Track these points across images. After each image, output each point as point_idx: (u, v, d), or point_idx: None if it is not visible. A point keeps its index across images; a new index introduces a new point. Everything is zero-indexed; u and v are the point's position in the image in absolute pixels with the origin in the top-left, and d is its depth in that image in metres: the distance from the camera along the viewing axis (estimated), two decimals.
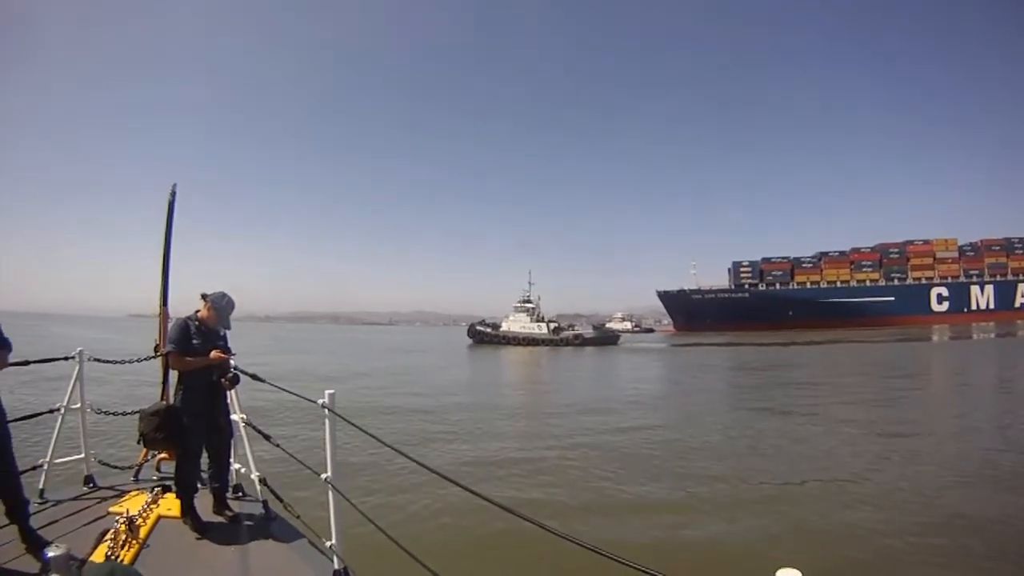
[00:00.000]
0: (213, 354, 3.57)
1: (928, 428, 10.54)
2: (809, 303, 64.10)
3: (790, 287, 65.78)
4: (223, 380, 3.57)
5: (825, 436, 9.83)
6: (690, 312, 65.12)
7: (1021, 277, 70.30)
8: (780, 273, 66.28)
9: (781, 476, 7.40)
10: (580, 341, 49.33)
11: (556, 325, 54.20)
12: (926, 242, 69.38)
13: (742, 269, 66.61)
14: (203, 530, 3.11)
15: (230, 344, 3.82)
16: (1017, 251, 70.76)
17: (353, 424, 2.75)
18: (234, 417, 3.96)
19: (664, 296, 67.56)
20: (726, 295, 64.75)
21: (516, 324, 53.81)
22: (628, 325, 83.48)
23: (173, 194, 4.21)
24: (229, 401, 3.98)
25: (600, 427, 10.80)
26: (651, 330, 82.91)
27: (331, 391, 2.87)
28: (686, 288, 65.99)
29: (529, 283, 56.41)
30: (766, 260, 67.03)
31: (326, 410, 2.82)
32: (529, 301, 55.25)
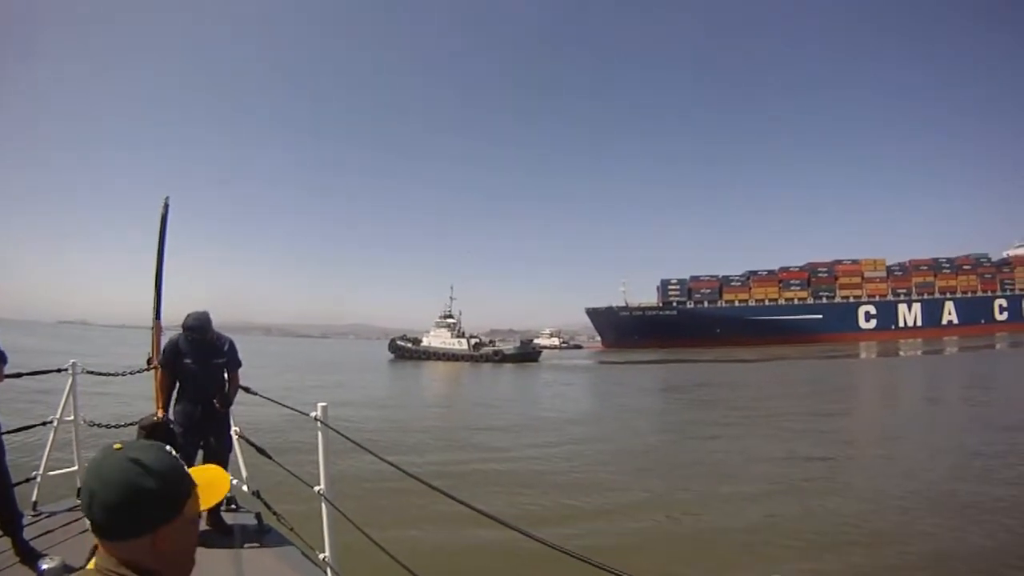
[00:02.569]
0: (159, 413, 3.58)
1: (850, 451, 10.98)
2: (737, 321, 65.01)
3: (718, 305, 66.80)
4: (216, 401, 3.65)
5: (740, 456, 10.26)
6: (618, 329, 65.96)
7: (948, 296, 71.72)
8: (708, 291, 67.66)
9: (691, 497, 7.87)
10: (500, 357, 49.85)
11: (477, 341, 54.63)
12: (855, 262, 71.13)
13: (671, 287, 67.88)
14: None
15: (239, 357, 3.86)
16: (944, 271, 72.54)
17: (346, 437, 2.78)
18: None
19: (592, 313, 68.48)
20: (654, 312, 65.76)
21: (437, 339, 54.58)
22: (556, 341, 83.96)
23: (166, 207, 4.18)
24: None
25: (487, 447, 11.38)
26: (579, 347, 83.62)
27: (323, 404, 2.86)
28: (614, 305, 66.35)
29: (451, 298, 56.98)
30: (694, 278, 68.61)
31: (319, 423, 2.82)
32: (450, 316, 56.13)
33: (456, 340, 54.26)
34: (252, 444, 3.73)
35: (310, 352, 66.40)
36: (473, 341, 54.68)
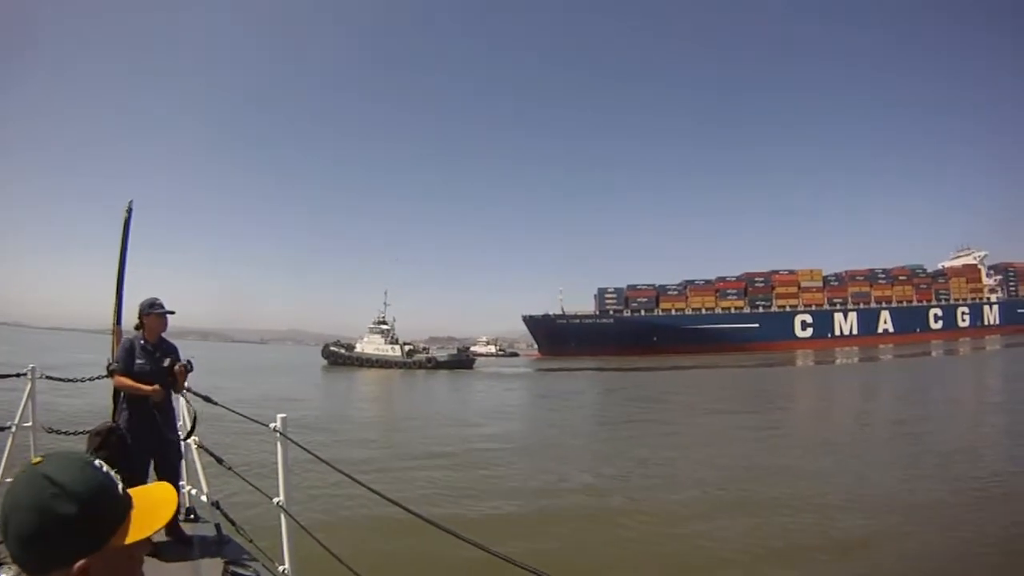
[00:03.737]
0: (151, 388, 3.53)
1: (787, 459, 11.18)
2: (674, 329, 65.89)
3: (655, 314, 67.21)
4: (177, 369, 3.61)
5: (668, 468, 10.59)
6: (555, 337, 66.57)
7: (884, 305, 72.88)
8: (645, 300, 68.78)
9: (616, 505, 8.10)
10: (433, 364, 50.56)
11: (410, 347, 54.31)
12: (791, 272, 72.59)
13: (607, 295, 68.91)
14: (154, 553, 2.99)
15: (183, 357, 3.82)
16: (880, 281, 74.18)
17: (305, 449, 2.73)
18: (184, 439, 3.90)
19: (529, 321, 68.90)
20: (591, 320, 66.28)
21: (370, 346, 54.81)
22: (493, 349, 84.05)
23: (129, 211, 4.12)
24: (180, 423, 3.93)
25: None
26: (515, 354, 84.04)
27: (283, 415, 2.84)
28: (551, 313, 66.63)
29: (385, 303, 57.09)
30: (631, 287, 69.81)
31: (278, 434, 2.77)
32: (384, 322, 55.96)
33: (390, 347, 54.54)
34: (211, 454, 3.69)
35: (245, 358, 65.79)
36: (407, 348, 54.71)
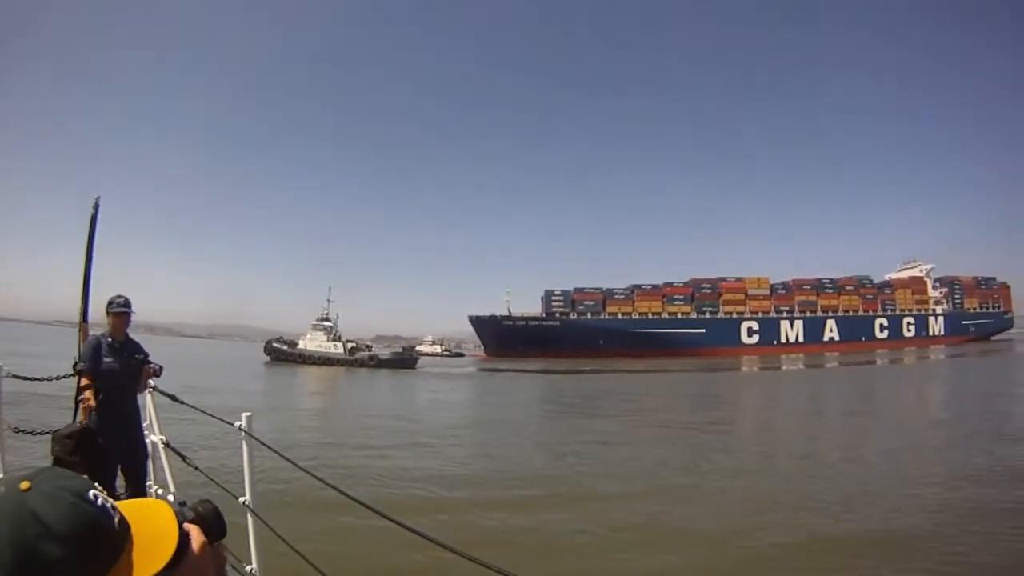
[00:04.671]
0: (86, 395, 3.49)
1: (727, 463, 11.58)
2: (621, 333, 66.76)
3: (602, 317, 67.75)
4: (151, 370, 3.68)
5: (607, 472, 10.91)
6: (501, 338, 67.31)
7: (830, 314, 73.77)
8: (592, 303, 69.82)
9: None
10: (375, 363, 50.43)
11: (353, 345, 53.90)
12: (738, 279, 74.21)
13: (554, 298, 69.83)
14: None
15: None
16: (827, 291, 75.65)
17: (269, 447, 2.77)
18: (153, 438, 3.83)
19: (476, 321, 69.47)
20: (537, 322, 66.61)
21: (313, 343, 55.16)
22: (438, 348, 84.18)
23: (96, 207, 4.06)
24: (146, 423, 3.88)
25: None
26: (461, 354, 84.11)
27: (248, 414, 2.84)
28: (497, 314, 67.10)
29: (328, 300, 57.06)
30: (578, 290, 70.93)
31: (243, 433, 2.77)
32: (327, 319, 55.96)
33: (332, 344, 54.43)
34: (177, 452, 3.62)
35: (185, 353, 65.42)
36: (349, 345, 54.48)
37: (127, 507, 0.77)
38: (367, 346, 59.18)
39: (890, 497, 8.25)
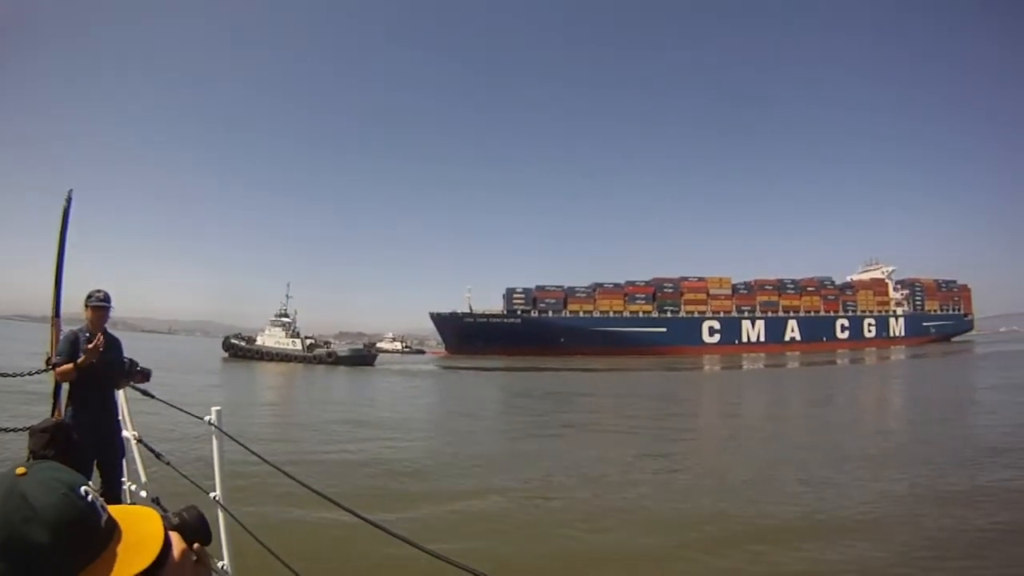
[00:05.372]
0: (84, 358, 3.51)
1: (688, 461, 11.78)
2: (582, 331, 67.39)
3: (563, 315, 68.26)
4: (136, 373, 3.71)
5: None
6: (462, 335, 67.82)
7: (792, 315, 74.49)
8: (553, 301, 70.52)
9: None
10: (333, 359, 50.11)
11: (311, 342, 53.60)
12: (700, 279, 75.27)
13: (516, 295, 70.54)
14: None
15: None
16: (789, 291, 76.67)
17: (238, 442, 2.75)
18: (126, 434, 3.82)
19: (437, 318, 69.65)
20: (498, 320, 67.08)
21: (271, 339, 55.14)
22: (399, 345, 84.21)
23: (69, 200, 4.03)
24: (120, 417, 3.85)
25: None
26: (422, 351, 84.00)
27: (217, 408, 2.84)
28: (458, 311, 67.35)
29: (287, 296, 56.65)
30: (540, 288, 71.63)
31: (213, 428, 2.77)
32: (286, 315, 55.62)
33: (290, 340, 54.08)
34: (149, 448, 3.64)
35: (141, 347, 65.04)
36: (308, 342, 54.13)
37: (119, 511, 0.78)
38: (326, 343, 59.08)
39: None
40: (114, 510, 0.78)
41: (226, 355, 53.07)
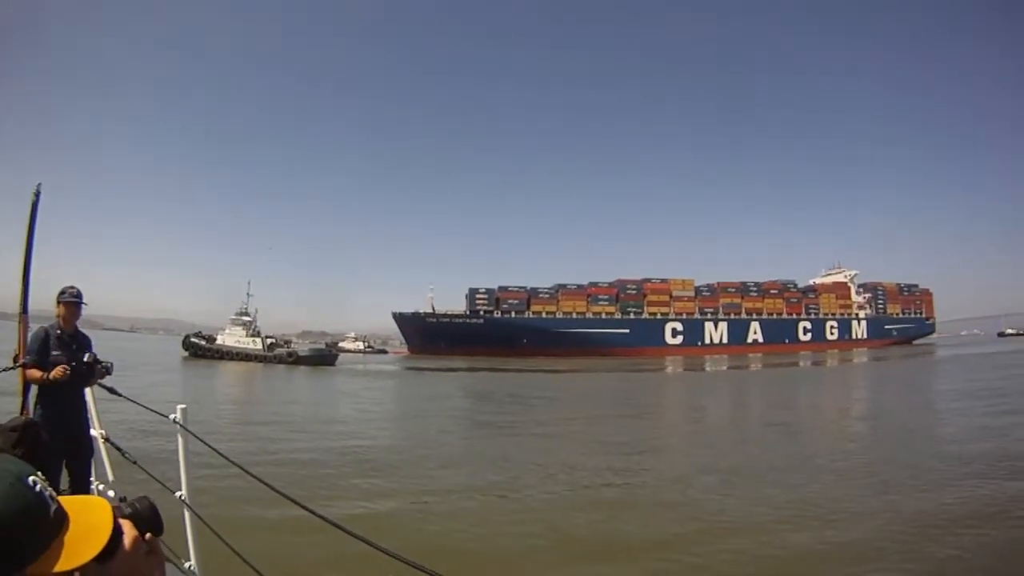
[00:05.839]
0: (54, 372, 3.47)
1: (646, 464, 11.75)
2: (545, 332, 68.06)
3: (526, 316, 68.84)
4: (100, 369, 3.67)
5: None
6: (425, 335, 68.32)
7: (754, 317, 75.36)
8: (516, 302, 71.29)
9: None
10: (293, 359, 49.87)
11: (272, 341, 53.63)
12: (663, 281, 76.07)
13: (478, 296, 71.16)
14: None
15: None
16: (752, 294, 77.97)
17: (203, 441, 2.74)
18: (93, 432, 3.82)
19: (399, 318, 69.96)
20: (461, 320, 67.50)
21: (231, 338, 54.73)
22: (360, 345, 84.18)
23: (37, 194, 4.01)
24: (89, 415, 3.85)
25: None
26: (384, 351, 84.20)
27: (183, 406, 2.83)
28: (421, 311, 67.78)
29: (248, 294, 56.31)
30: (503, 288, 72.46)
31: (178, 426, 2.76)
32: (246, 313, 55.37)
33: (251, 339, 53.81)
34: (117, 448, 3.61)
35: (105, 348, 64.78)
36: (268, 341, 54.05)
37: (69, 501, 0.79)
38: (286, 342, 58.93)
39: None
40: (64, 500, 0.78)
41: (186, 354, 52.96)
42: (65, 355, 3.55)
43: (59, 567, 0.71)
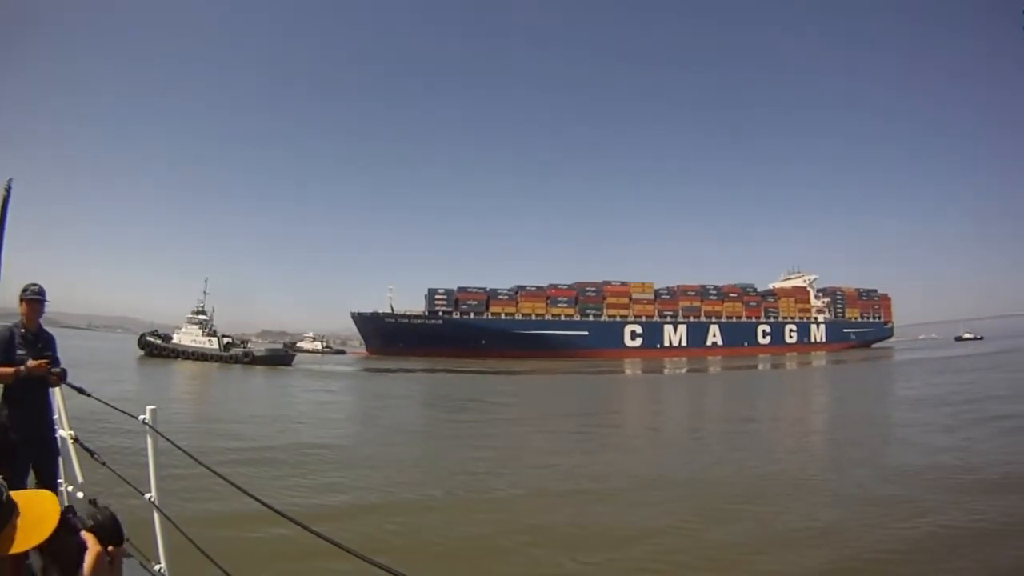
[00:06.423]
0: (30, 363, 3.45)
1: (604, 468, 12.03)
2: (504, 334, 68.82)
3: (485, 317, 69.43)
4: (51, 374, 3.59)
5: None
6: (384, 335, 68.84)
7: (714, 320, 76.29)
8: (475, 303, 72.06)
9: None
10: (250, 359, 49.99)
11: (228, 340, 53.64)
12: (623, 283, 76.93)
13: (437, 296, 71.78)
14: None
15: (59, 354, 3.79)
16: (711, 297, 79.07)
17: (171, 442, 2.74)
18: (63, 433, 3.80)
19: (358, 318, 70.45)
20: (420, 321, 67.99)
21: (187, 337, 54.52)
22: (319, 345, 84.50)
23: (8, 189, 4.01)
24: (56, 416, 3.84)
25: None
26: (342, 351, 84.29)
27: (152, 407, 2.81)
28: (380, 311, 68.22)
29: (204, 292, 56.10)
30: (462, 289, 72.97)
31: (148, 427, 2.75)
32: (203, 312, 55.44)
33: (207, 339, 53.61)
34: (85, 448, 3.63)
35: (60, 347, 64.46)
36: (225, 341, 53.89)
37: (18, 494, 0.87)
38: (243, 342, 58.91)
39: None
40: (13, 493, 0.85)
41: (142, 353, 52.98)
42: (30, 354, 3.53)
43: (12, 550, 0.78)
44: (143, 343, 53.96)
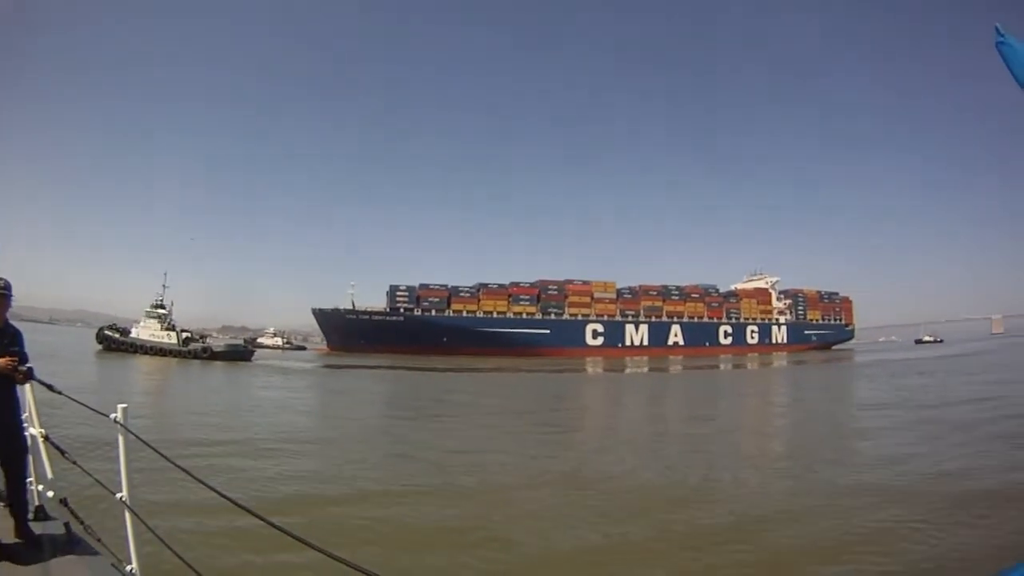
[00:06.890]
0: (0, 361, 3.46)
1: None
2: (466, 331, 69.63)
3: (446, 314, 70.08)
4: (16, 373, 3.50)
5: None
6: (345, 332, 69.47)
7: (675, 320, 77.35)
8: (437, 300, 72.75)
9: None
10: (208, 355, 49.95)
11: (187, 335, 53.59)
12: (585, 282, 78.08)
13: (399, 293, 72.59)
14: (6, 556, 3.05)
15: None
16: (673, 297, 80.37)
17: (144, 441, 2.73)
18: (33, 431, 3.79)
19: (319, 314, 71.01)
20: (381, 317, 68.49)
21: (146, 331, 54.31)
22: (279, 341, 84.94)
23: None
24: (25, 414, 3.81)
25: None
26: (303, 347, 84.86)
27: (124, 405, 2.80)
28: (341, 308, 68.71)
29: (164, 286, 55.56)
30: (423, 286, 73.99)
31: (119, 426, 2.74)
32: (162, 306, 55.06)
33: (166, 333, 53.44)
34: (57, 447, 3.64)
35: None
36: (184, 335, 53.75)
37: None
38: (202, 337, 58.70)
39: None
40: None
41: (100, 347, 52.79)
42: None
43: None
44: (101, 337, 53.70)
